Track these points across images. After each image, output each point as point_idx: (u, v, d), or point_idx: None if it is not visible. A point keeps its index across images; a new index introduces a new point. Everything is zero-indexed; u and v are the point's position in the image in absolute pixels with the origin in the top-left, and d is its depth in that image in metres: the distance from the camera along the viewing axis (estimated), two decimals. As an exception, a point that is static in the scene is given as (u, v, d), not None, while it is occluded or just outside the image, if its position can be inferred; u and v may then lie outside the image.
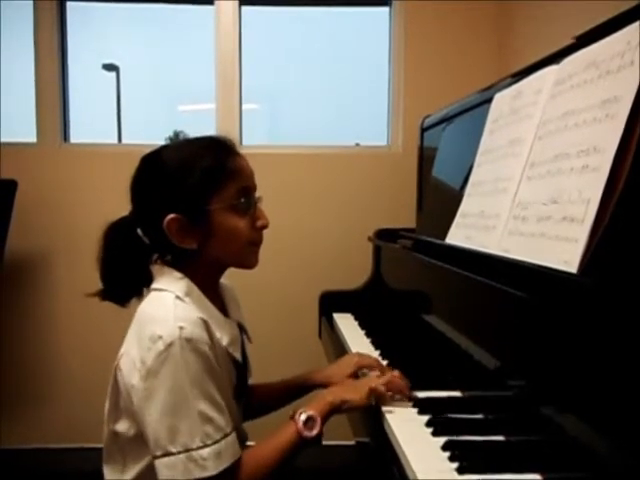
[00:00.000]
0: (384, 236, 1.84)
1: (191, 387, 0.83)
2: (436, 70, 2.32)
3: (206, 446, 0.83)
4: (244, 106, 2.42)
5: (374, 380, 1.01)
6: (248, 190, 0.98)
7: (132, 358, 0.87)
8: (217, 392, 0.87)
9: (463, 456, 0.76)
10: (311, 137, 2.44)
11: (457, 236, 1.26)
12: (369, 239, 1.92)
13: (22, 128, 2.36)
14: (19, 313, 2.32)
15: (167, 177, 0.94)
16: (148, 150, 0.99)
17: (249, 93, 2.44)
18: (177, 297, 0.90)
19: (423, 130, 1.89)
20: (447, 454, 0.77)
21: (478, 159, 1.29)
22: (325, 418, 0.94)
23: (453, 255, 1.15)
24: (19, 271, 2.30)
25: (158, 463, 0.84)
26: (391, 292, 1.73)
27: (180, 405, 0.83)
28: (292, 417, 0.94)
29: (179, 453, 0.83)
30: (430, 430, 0.86)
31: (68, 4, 2.39)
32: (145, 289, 0.98)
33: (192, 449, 0.83)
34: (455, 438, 0.81)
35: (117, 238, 0.98)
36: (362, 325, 1.59)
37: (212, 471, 0.83)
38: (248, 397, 1.12)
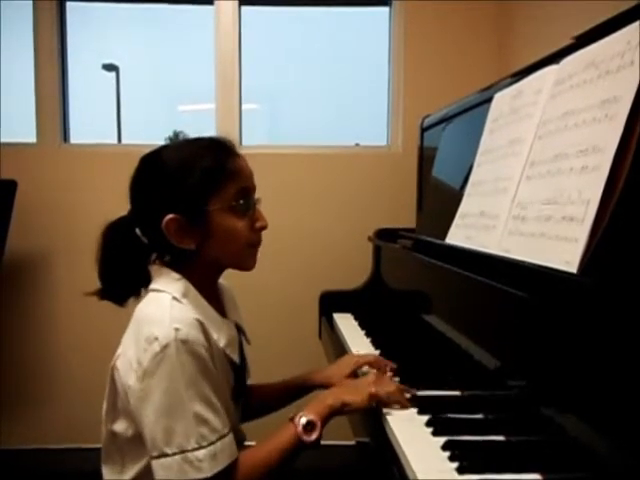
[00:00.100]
0: (384, 236, 1.84)
1: (186, 388, 0.83)
2: (436, 70, 2.32)
3: (201, 447, 0.83)
4: (244, 106, 2.42)
5: (375, 383, 0.99)
6: (247, 191, 0.98)
7: (129, 359, 0.87)
8: (213, 393, 0.87)
9: (463, 456, 0.75)
10: (311, 137, 2.44)
11: (457, 236, 1.26)
12: (369, 239, 1.92)
13: (22, 128, 2.36)
14: (19, 313, 2.32)
15: (166, 177, 0.93)
16: (148, 150, 0.99)
17: (249, 93, 2.44)
18: (174, 298, 0.90)
19: (423, 130, 1.89)
20: (447, 454, 0.77)
21: (478, 159, 1.29)
22: (325, 422, 0.93)
23: (453, 255, 1.15)
24: (19, 271, 2.30)
25: (154, 464, 0.84)
26: (391, 292, 1.73)
27: (176, 406, 0.83)
28: (292, 420, 0.93)
29: (174, 454, 0.83)
30: (430, 430, 0.86)
31: (68, 4, 2.40)
32: (143, 289, 0.98)
33: (187, 450, 0.83)
34: (455, 438, 0.81)
35: (116, 238, 0.98)
36: (362, 325, 1.59)
37: (207, 472, 0.83)
38: (247, 398, 1.12)
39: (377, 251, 1.88)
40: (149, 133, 2.34)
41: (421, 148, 1.91)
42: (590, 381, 0.66)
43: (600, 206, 0.78)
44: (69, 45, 2.40)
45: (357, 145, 2.50)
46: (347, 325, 1.63)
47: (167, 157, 0.96)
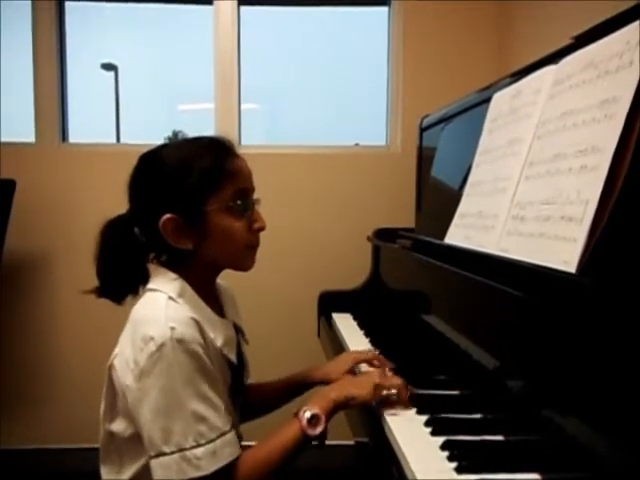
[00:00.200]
0: (383, 236, 1.84)
1: (183, 387, 0.83)
2: (435, 70, 2.32)
3: (200, 445, 0.83)
4: (243, 106, 2.42)
5: (376, 375, 1.00)
6: (246, 192, 0.97)
7: (126, 358, 0.87)
8: (211, 391, 0.86)
9: (462, 456, 0.76)
10: (310, 137, 2.44)
11: (456, 236, 1.26)
12: (368, 239, 1.92)
13: (21, 128, 2.36)
14: (18, 313, 2.32)
15: (165, 176, 0.93)
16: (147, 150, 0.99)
17: (248, 93, 2.44)
18: (170, 298, 0.90)
19: (422, 130, 1.89)
20: (446, 454, 0.77)
21: (477, 159, 1.29)
22: (329, 416, 0.93)
23: (452, 255, 1.15)
24: (18, 271, 2.30)
25: (153, 463, 0.84)
26: (390, 292, 1.73)
27: (173, 405, 0.83)
28: (296, 414, 0.92)
29: (173, 453, 0.82)
30: (429, 430, 0.86)
31: (67, 4, 2.39)
32: (141, 288, 0.98)
33: (185, 449, 0.82)
34: (454, 438, 0.81)
35: (114, 236, 0.98)
36: (361, 325, 1.59)
37: (206, 470, 0.83)
38: (246, 397, 1.12)
39: (376, 251, 1.88)
40: (148, 133, 2.34)
41: (420, 148, 1.91)
42: (589, 381, 0.66)
43: (599, 206, 0.78)
44: (68, 45, 2.40)
45: (356, 145, 2.50)
46: (346, 325, 1.63)
47: (166, 156, 0.96)
